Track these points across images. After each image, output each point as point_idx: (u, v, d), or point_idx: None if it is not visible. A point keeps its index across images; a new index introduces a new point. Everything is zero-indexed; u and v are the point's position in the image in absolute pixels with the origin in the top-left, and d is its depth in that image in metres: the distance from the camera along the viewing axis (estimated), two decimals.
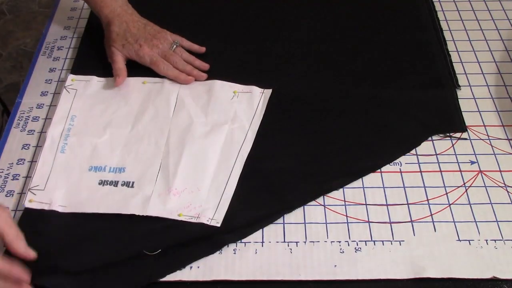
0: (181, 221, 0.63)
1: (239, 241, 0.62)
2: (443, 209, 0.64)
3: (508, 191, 0.66)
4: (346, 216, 0.64)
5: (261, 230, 0.62)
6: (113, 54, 0.78)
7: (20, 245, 0.57)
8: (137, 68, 0.79)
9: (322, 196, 0.66)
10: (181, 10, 0.90)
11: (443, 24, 0.87)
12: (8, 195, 0.66)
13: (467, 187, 0.67)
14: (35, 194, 0.65)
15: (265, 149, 0.70)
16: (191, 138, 0.71)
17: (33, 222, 0.63)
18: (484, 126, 0.73)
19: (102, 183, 0.66)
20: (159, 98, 0.76)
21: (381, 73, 0.80)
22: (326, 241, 0.62)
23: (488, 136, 0.72)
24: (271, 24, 0.87)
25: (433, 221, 0.63)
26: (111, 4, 0.80)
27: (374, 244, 0.61)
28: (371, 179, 0.67)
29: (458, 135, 0.72)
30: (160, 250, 0.60)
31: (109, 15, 0.80)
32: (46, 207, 0.64)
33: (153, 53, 0.78)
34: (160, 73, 0.78)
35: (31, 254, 0.58)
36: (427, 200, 0.65)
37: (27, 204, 0.64)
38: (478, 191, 0.66)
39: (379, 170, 0.68)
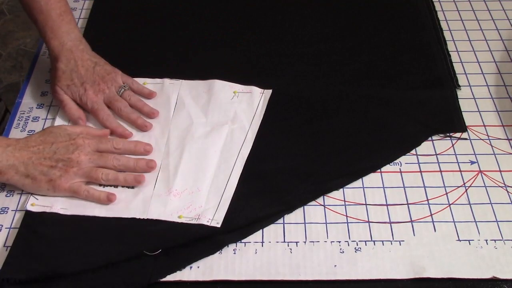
0: (181, 222, 0.63)
1: (239, 241, 0.62)
2: (443, 209, 0.64)
3: (508, 191, 0.66)
4: (346, 216, 0.64)
5: (261, 230, 0.62)
6: (59, 94, 0.73)
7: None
8: (137, 69, 0.79)
9: (322, 196, 0.66)
10: (181, 10, 0.90)
11: (443, 24, 0.87)
12: (8, 195, 0.66)
13: (467, 187, 0.67)
14: (37, 199, 0.65)
15: (265, 149, 0.70)
16: (191, 138, 0.71)
17: (34, 223, 0.63)
18: (484, 126, 0.73)
19: (103, 184, 0.66)
20: (159, 99, 0.76)
21: (381, 73, 0.80)
22: (326, 241, 0.62)
23: (488, 136, 0.72)
24: (271, 24, 0.87)
25: (433, 221, 0.63)
26: (61, 36, 0.73)
27: (374, 244, 0.61)
28: (371, 179, 0.67)
29: (458, 135, 0.72)
30: (160, 250, 0.60)
31: (56, 48, 0.73)
32: (47, 210, 0.64)
33: (97, 99, 0.72)
34: (99, 123, 0.72)
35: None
36: (427, 200, 0.65)
37: (29, 208, 0.64)
38: (478, 191, 0.66)
39: (379, 170, 0.68)
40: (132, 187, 0.66)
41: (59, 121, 0.73)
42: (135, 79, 0.78)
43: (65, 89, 0.73)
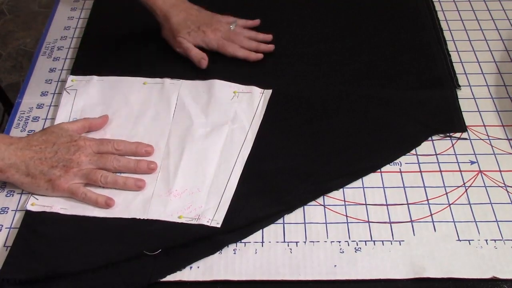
0: (182, 222, 0.63)
1: (239, 241, 0.62)
2: (443, 209, 0.64)
3: (508, 191, 0.66)
4: (346, 216, 0.64)
5: (261, 230, 0.62)
6: (182, 43, 0.79)
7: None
8: (137, 68, 0.79)
9: (322, 196, 0.66)
10: None
11: (443, 24, 0.87)
12: (8, 195, 0.66)
13: (467, 187, 0.67)
14: (37, 199, 0.65)
15: (265, 149, 0.70)
16: (191, 139, 0.71)
17: (34, 223, 0.63)
18: (484, 126, 0.73)
19: (102, 186, 0.66)
20: (160, 99, 0.76)
21: (381, 73, 0.80)
22: (326, 241, 0.62)
23: (488, 136, 0.72)
24: (271, 24, 0.87)
25: (433, 221, 0.63)
26: None
27: (374, 244, 0.61)
28: (371, 179, 0.67)
29: (458, 135, 0.72)
30: (160, 250, 0.60)
31: (163, 6, 0.80)
32: (47, 210, 0.64)
33: (217, 37, 0.79)
34: (229, 55, 0.80)
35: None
36: (427, 200, 0.65)
37: (29, 208, 0.64)
38: (478, 191, 0.66)
39: (379, 170, 0.68)
40: None
41: (58, 122, 0.73)
42: (136, 78, 0.78)
43: (187, 37, 0.79)
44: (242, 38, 0.80)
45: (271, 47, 0.81)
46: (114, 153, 0.67)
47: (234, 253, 0.61)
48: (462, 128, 0.73)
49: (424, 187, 0.67)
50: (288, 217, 0.64)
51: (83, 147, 0.66)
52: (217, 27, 0.80)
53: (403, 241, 0.62)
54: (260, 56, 0.79)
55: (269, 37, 0.82)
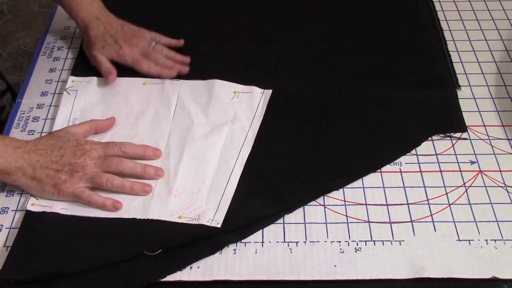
0: (182, 222, 0.63)
1: (239, 241, 0.62)
2: (443, 209, 0.64)
3: (508, 191, 0.66)
4: (346, 216, 0.64)
5: (261, 230, 0.63)
6: (96, 56, 0.78)
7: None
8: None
9: (322, 196, 0.66)
10: (181, 10, 0.90)
11: (443, 24, 0.87)
12: (9, 195, 0.66)
13: (467, 187, 0.67)
14: (37, 199, 0.65)
15: (265, 150, 0.70)
16: (191, 138, 0.71)
17: (34, 223, 0.63)
18: (484, 126, 0.73)
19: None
20: (160, 99, 0.76)
21: (381, 73, 0.80)
22: (326, 241, 0.62)
23: (488, 136, 0.72)
24: (271, 24, 0.87)
25: (433, 221, 0.63)
26: (87, 8, 0.79)
27: (374, 244, 0.61)
28: (371, 179, 0.67)
29: (458, 135, 0.72)
30: (160, 250, 0.60)
31: (85, 18, 0.79)
32: (47, 210, 0.64)
33: (134, 53, 0.78)
34: (143, 72, 0.78)
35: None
36: (427, 200, 0.65)
37: (29, 208, 0.64)
38: (478, 191, 0.66)
39: (379, 170, 0.68)
40: None
41: (58, 123, 0.73)
42: (135, 78, 0.78)
43: (102, 50, 0.77)
44: (159, 56, 0.79)
45: (186, 69, 0.78)
46: (121, 156, 0.67)
47: (234, 253, 0.61)
48: (462, 128, 0.73)
49: (424, 187, 0.67)
50: (288, 217, 0.64)
51: (89, 151, 0.65)
52: (135, 43, 0.78)
53: (403, 241, 0.62)
54: (174, 74, 0.77)
55: (187, 59, 0.80)
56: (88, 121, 0.71)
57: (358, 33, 0.86)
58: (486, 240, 0.62)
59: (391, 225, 0.63)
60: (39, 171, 0.63)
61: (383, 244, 0.61)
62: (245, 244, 0.62)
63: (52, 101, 0.77)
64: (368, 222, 0.63)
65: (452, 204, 0.65)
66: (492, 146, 0.71)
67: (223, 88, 0.77)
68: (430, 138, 0.72)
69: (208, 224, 0.62)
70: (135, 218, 0.63)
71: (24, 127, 0.73)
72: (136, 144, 0.69)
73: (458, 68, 0.80)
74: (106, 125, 0.72)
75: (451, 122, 0.73)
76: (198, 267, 0.59)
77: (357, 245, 0.61)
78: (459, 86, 0.78)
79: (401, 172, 0.68)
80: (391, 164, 0.69)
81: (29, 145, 0.64)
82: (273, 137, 0.71)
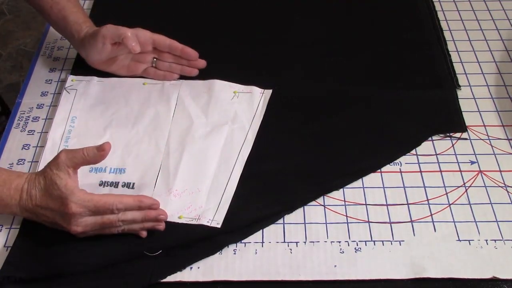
0: (182, 222, 0.63)
1: (239, 241, 0.62)
2: (443, 209, 0.64)
3: (508, 191, 0.66)
4: (346, 216, 0.64)
5: (261, 230, 0.63)
6: (118, 28, 0.72)
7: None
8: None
9: (322, 196, 0.66)
10: (181, 11, 0.90)
11: (443, 24, 0.87)
12: None
13: (467, 187, 0.67)
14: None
15: (265, 150, 0.70)
16: (191, 138, 0.71)
17: (35, 222, 0.63)
18: (484, 126, 0.73)
19: (103, 184, 0.66)
20: (160, 99, 0.76)
21: (381, 73, 0.80)
22: (326, 241, 0.62)
23: (488, 136, 0.72)
24: (271, 25, 0.87)
25: (433, 221, 0.63)
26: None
27: (374, 244, 0.61)
28: (371, 179, 0.67)
29: (458, 135, 0.72)
30: (160, 251, 0.60)
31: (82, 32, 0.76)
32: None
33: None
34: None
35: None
36: (427, 200, 0.65)
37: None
38: (478, 191, 0.66)
39: (379, 170, 0.68)
40: (132, 187, 0.66)
41: (57, 121, 0.73)
42: (135, 79, 0.78)
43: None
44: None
45: (194, 71, 0.78)
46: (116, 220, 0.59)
47: (234, 253, 0.61)
48: (462, 128, 0.73)
49: (424, 187, 0.67)
50: (288, 217, 0.64)
51: (76, 217, 0.58)
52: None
53: (403, 241, 0.62)
54: (175, 76, 0.78)
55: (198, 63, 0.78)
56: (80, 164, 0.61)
57: (358, 34, 0.86)
58: (486, 240, 0.62)
59: (391, 225, 0.63)
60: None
61: (383, 244, 0.61)
62: (245, 245, 0.62)
63: (52, 101, 0.77)
64: (368, 222, 0.63)
65: (452, 204, 0.65)
66: (492, 146, 0.71)
67: (223, 88, 0.77)
68: (430, 138, 0.72)
69: (208, 224, 0.62)
70: None
71: (24, 127, 0.73)
72: (128, 196, 0.60)
73: (458, 68, 0.80)
74: (98, 157, 0.61)
75: (451, 122, 0.73)
76: (198, 268, 0.59)
77: (357, 245, 0.61)
78: (459, 86, 0.78)
79: (401, 172, 0.68)
80: (391, 164, 0.69)
81: (29, 201, 0.59)
82: (273, 137, 0.71)
